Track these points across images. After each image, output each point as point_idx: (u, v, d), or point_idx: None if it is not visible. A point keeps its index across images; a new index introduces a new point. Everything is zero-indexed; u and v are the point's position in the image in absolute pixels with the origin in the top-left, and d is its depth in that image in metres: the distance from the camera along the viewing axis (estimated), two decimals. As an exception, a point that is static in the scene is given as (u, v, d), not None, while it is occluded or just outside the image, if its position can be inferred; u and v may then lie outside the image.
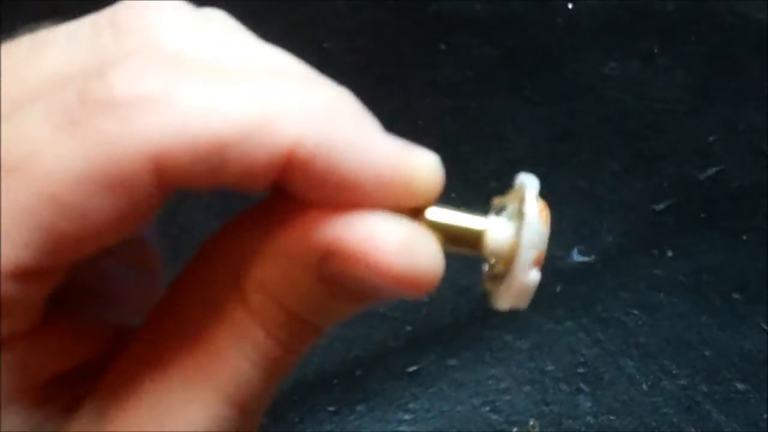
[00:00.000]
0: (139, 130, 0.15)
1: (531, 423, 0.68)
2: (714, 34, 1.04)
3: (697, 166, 0.88)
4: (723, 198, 0.85)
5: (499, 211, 0.19)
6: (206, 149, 0.15)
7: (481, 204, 0.19)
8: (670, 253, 0.80)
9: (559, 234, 0.80)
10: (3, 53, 0.17)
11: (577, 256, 0.79)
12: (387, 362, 0.71)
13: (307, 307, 0.17)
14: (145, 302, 0.21)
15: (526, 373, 0.71)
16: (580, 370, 0.71)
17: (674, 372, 0.71)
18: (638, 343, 0.73)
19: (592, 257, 0.80)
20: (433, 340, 0.72)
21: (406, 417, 0.68)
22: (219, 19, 0.18)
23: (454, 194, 0.84)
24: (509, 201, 0.19)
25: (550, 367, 0.71)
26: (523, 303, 0.18)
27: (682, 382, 0.70)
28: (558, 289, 0.76)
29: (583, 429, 0.67)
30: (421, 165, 0.17)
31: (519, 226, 0.18)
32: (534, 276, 0.18)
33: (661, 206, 0.84)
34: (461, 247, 0.18)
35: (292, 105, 0.16)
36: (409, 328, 0.73)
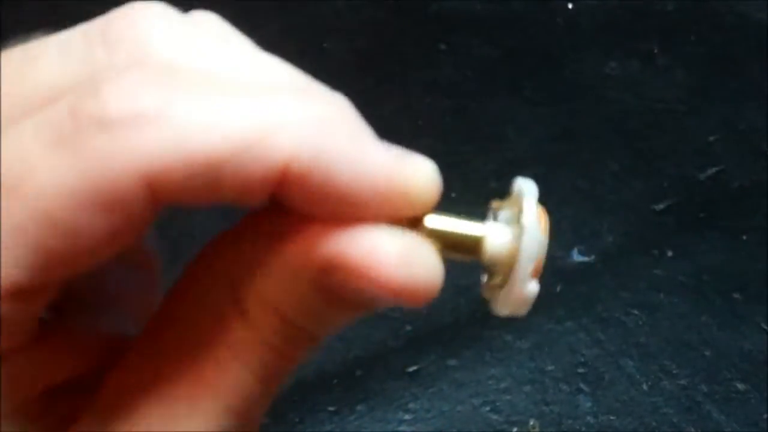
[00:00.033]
0: (132, 148, 0.15)
1: (531, 423, 0.68)
2: (714, 34, 1.04)
3: (697, 166, 0.88)
4: (723, 198, 0.85)
5: (498, 215, 0.19)
6: (201, 166, 0.15)
7: (481, 204, 0.19)
8: (670, 253, 0.80)
9: (559, 234, 0.80)
10: None
11: (577, 256, 0.79)
12: (387, 362, 0.71)
13: (306, 317, 0.17)
14: (143, 305, 0.21)
15: (526, 373, 0.71)
16: (580, 370, 0.71)
17: (674, 372, 0.71)
18: (638, 343, 0.73)
19: (592, 257, 0.80)
20: (433, 340, 0.72)
21: (406, 417, 0.68)
22: (211, 24, 0.18)
23: (454, 194, 0.84)
24: (508, 206, 0.19)
25: (550, 367, 0.71)
26: (522, 311, 0.18)
27: (682, 382, 0.70)
28: (558, 289, 0.76)
29: (583, 429, 0.67)
30: (417, 174, 0.17)
31: (517, 233, 0.18)
32: (533, 287, 0.18)
33: (661, 206, 0.84)
34: (460, 254, 0.18)
35: (286, 119, 0.16)
36: (409, 328, 0.73)
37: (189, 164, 0.15)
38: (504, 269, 0.18)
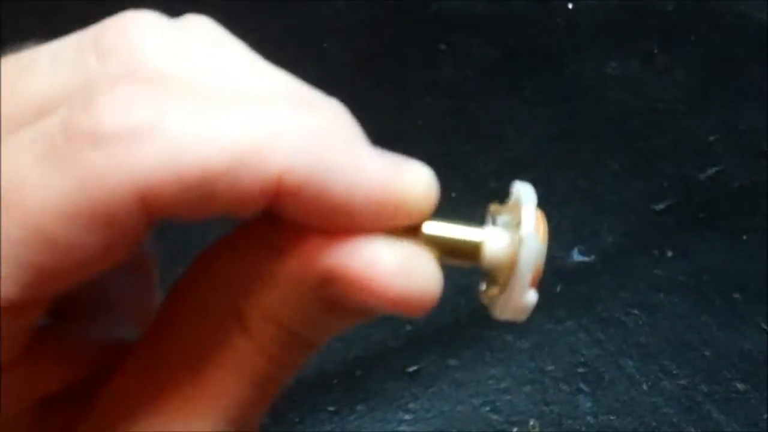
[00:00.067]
0: (125, 164, 0.15)
1: (531, 423, 0.68)
2: (714, 34, 1.04)
3: (697, 166, 0.88)
4: (723, 198, 0.85)
5: (497, 219, 0.19)
6: (194, 181, 0.15)
7: (481, 204, 0.19)
8: (670, 253, 0.80)
9: (559, 234, 0.80)
10: None
11: (577, 256, 0.79)
12: (387, 362, 0.71)
13: (306, 326, 0.17)
14: (139, 308, 0.21)
15: (526, 373, 0.71)
16: (580, 370, 0.71)
17: (674, 372, 0.71)
18: (638, 343, 0.73)
19: (592, 257, 0.80)
20: (433, 340, 0.72)
21: (406, 417, 0.68)
22: (204, 29, 0.18)
23: (454, 194, 0.84)
24: (507, 211, 0.19)
25: (550, 367, 0.71)
26: (521, 318, 0.18)
27: (682, 382, 0.70)
28: (558, 289, 0.76)
29: (583, 429, 0.67)
30: (413, 184, 0.16)
31: (516, 240, 0.18)
32: (531, 297, 0.18)
33: (661, 206, 0.84)
34: (459, 259, 0.18)
35: (280, 131, 0.15)
36: (409, 328, 0.73)
37: (183, 179, 0.15)
38: (503, 274, 0.18)
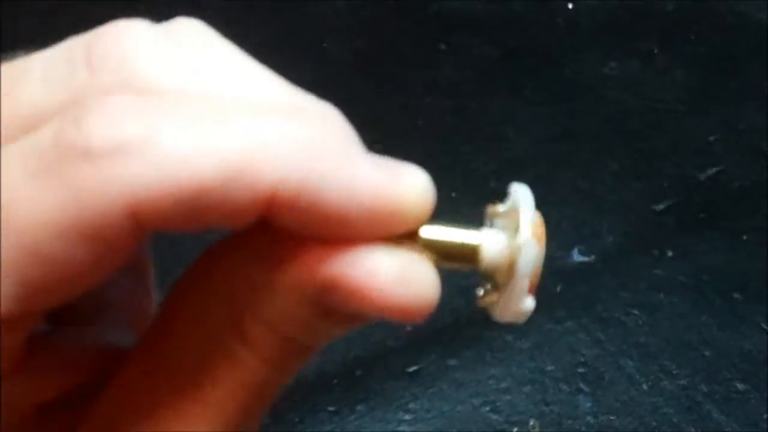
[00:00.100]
0: (117, 179, 0.15)
1: (531, 423, 0.68)
2: (714, 34, 1.04)
3: (697, 166, 0.88)
4: (723, 198, 0.85)
5: (495, 222, 0.19)
6: (186, 196, 0.15)
7: (481, 204, 0.19)
8: (670, 253, 0.80)
9: (559, 234, 0.80)
10: None
11: (577, 256, 0.80)
12: (387, 362, 0.71)
13: (305, 333, 0.17)
14: (136, 308, 0.21)
15: (526, 373, 0.71)
16: (580, 370, 0.71)
17: (674, 372, 0.71)
18: (638, 343, 0.73)
19: (592, 257, 0.80)
20: (433, 340, 0.72)
21: (406, 417, 0.68)
22: (195, 35, 0.17)
23: (454, 194, 0.84)
24: (504, 215, 0.19)
25: (550, 367, 0.71)
26: (520, 321, 0.18)
27: (682, 382, 0.70)
28: (558, 289, 0.76)
29: (583, 429, 0.67)
30: (408, 190, 0.16)
31: (514, 244, 0.18)
32: (529, 304, 0.18)
33: (661, 206, 0.84)
34: (457, 263, 0.18)
35: (272, 144, 0.15)
36: (409, 328, 0.73)
37: (174, 194, 0.15)
38: (501, 277, 0.18)
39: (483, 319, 0.19)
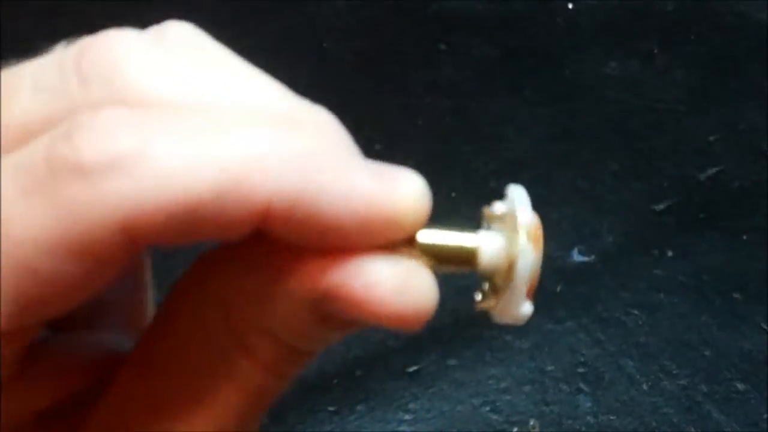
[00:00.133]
0: (108, 196, 0.15)
1: (531, 423, 0.68)
2: (714, 34, 1.04)
3: (697, 166, 0.88)
4: (723, 198, 0.85)
5: (491, 225, 0.19)
6: (179, 212, 0.15)
7: (481, 204, 0.19)
8: (670, 253, 0.80)
9: (559, 234, 0.80)
10: None
11: (577, 256, 0.80)
12: (387, 362, 0.71)
13: (301, 340, 0.17)
14: (133, 308, 0.21)
15: (526, 373, 0.71)
16: (580, 370, 0.71)
17: (674, 372, 0.71)
18: (638, 343, 0.73)
19: (592, 257, 0.80)
20: (433, 340, 0.72)
21: (406, 417, 0.68)
22: (186, 40, 0.17)
23: (454, 194, 0.84)
24: (500, 218, 0.19)
25: (550, 367, 0.71)
26: (518, 324, 0.18)
27: (682, 382, 0.70)
28: (558, 289, 0.76)
29: (583, 429, 0.67)
30: (403, 199, 0.16)
31: (512, 247, 0.18)
32: (527, 308, 0.18)
33: (661, 206, 0.84)
34: (456, 266, 0.18)
35: (266, 157, 0.15)
36: (409, 328, 0.73)
37: (167, 210, 0.15)
38: (500, 279, 0.18)
39: (483, 319, 0.19)
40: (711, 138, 0.91)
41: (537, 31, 1.05)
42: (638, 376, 0.71)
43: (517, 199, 0.18)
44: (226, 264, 0.17)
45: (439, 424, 0.68)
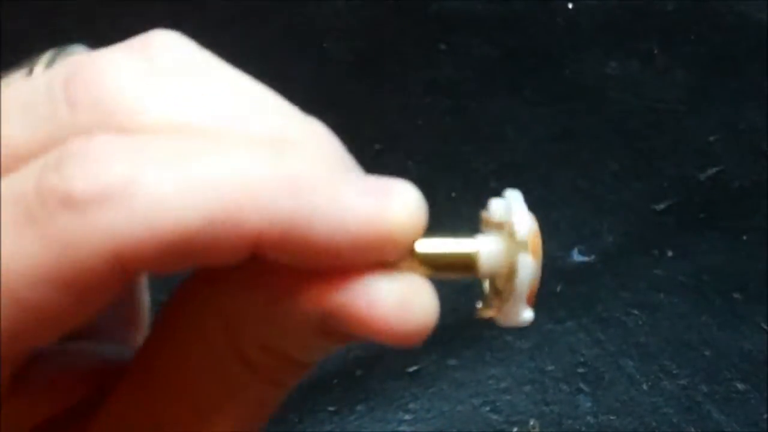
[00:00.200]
0: (100, 229, 0.14)
1: (531, 423, 0.68)
2: (714, 34, 1.04)
3: (697, 166, 0.88)
4: (723, 198, 0.85)
5: (488, 229, 0.19)
6: (170, 244, 0.15)
7: (481, 205, 0.19)
8: (670, 253, 0.80)
9: (559, 234, 0.80)
10: None
11: (577, 256, 0.79)
12: (387, 362, 0.71)
13: (302, 352, 0.17)
14: (129, 320, 0.21)
15: (526, 373, 0.71)
16: (580, 370, 0.71)
17: (674, 372, 0.71)
18: (638, 343, 0.73)
19: (592, 257, 0.80)
20: (433, 340, 0.72)
21: (406, 417, 0.68)
22: (176, 54, 0.17)
23: (454, 194, 0.84)
24: (497, 223, 0.19)
25: (550, 367, 0.71)
26: (520, 326, 0.19)
27: (682, 382, 0.70)
28: (558, 289, 0.76)
29: (583, 429, 0.67)
30: (397, 215, 0.16)
31: (510, 247, 0.18)
32: (528, 315, 0.18)
33: (661, 206, 0.84)
34: (455, 273, 0.18)
35: (257, 183, 0.15)
36: (409, 328, 0.73)
37: (159, 241, 0.15)
38: (501, 281, 0.18)
39: (483, 319, 0.19)
40: (711, 138, 0.91)
41: (537, 31, 1.05)
42: (638, 376, 0.71)
43: (514, 206, 0.18)
44: (225, 275, 0.17)
45: (439, 424, 0.68)
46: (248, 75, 0.18)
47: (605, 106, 0.95)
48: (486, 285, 0.19)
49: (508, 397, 0.69)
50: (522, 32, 1.04)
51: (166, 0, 0.97)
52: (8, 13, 0.97)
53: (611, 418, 0.68)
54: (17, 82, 0.18)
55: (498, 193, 0.19)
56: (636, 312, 0.75)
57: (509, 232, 0.18)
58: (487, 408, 0.69)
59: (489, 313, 0.19)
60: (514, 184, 0.19)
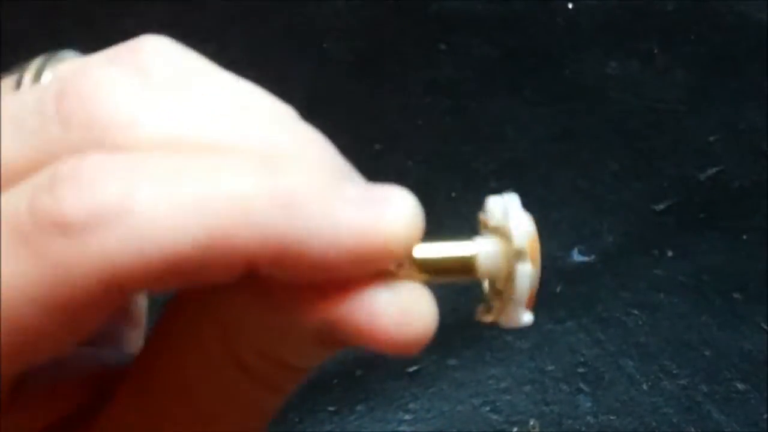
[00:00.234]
0: (93, 252, 0.14)
1: (531, 423, 0.68)
2: (714, 34, 1.04)
3: (697, 166, 0.88)
4: (723, 198, 0.85)
5: (486, 232, 0.19)
6: (163, 266, 0.15)
7: (480, 204, 0.19)
8: (670, 253, 0.80)
9: (559, 234, 0.80)
10: None
11: (577, 256, 0.79)
12: (387, 362, 0.71)
13: (301, 359, 0.18)
14: (126, 324, 0.21)
15: (526, 373, 0.71)
16: (580, 370, 0.71)
17: (674, 372, 0.71)
18: (638, 343, 0.73)
19: (592, 257, 0.80)
20: (433, 340, 0.72)
21: (406, 417, 0.68)
22: (167, 62, 0.17)
23: (454, 194, 0.84)
24: (494, 228, 0.19)
25: (550, 367, 0.71)
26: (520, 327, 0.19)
27: (682, 382, 0.70)
28: (558, 289, 0.76)
29: (583, 429, 0.67)
30: (393, 225, 0.16)
31: (508, 248, 0.18)
32: (527, 318, 0.18)
33: (661, 206, 0.84)
34: (455, 276, 0.18)
35: (250, 202, 0.15)
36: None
37: (153, 264, 0.15)
38: (500, 283, 0.18)
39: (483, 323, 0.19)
40: (711, 138, 0.91)
41: (537, 31, 1.05)
42: (638, 376, 0.71)
43: (510, 212, 0.18)
44: (219, 293, 0.17)
45: (439, 424, 0.68)
46: (246, 77, 0.18)
47: (605, 106, 0.95)
48: (486, 285, 0.19)
49: (508, 397, 0.69)
50: (522, 32, 1.04)
51: (166, 0, 0.97)
52: (8, 13, 0.97)
53: (611, 418, 0.68)
54: (6, 95, 0.17)
55: (498, 193, 0.19)
56: (636, 312, 0.75)
57: (506, 237, 0.18)
58: (487, 408, 0.69)
59: (489, 318, 0.19)
60: (514, 184, 0.19)
